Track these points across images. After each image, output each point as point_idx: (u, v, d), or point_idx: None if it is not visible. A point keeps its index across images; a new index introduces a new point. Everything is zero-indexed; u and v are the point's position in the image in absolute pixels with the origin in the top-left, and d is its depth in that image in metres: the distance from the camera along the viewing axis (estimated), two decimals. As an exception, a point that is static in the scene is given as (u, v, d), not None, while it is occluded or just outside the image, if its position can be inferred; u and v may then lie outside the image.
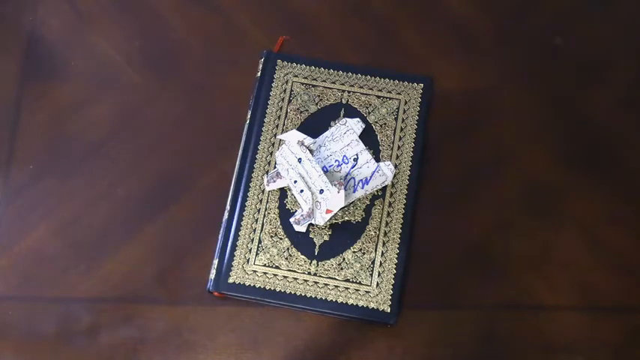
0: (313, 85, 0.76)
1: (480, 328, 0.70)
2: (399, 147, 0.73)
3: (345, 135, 0.73)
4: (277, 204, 0.71)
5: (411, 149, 0.73)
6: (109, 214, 0.73)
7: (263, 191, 0.72)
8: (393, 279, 0.69)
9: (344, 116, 0.74)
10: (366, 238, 0.70)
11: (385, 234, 0.70)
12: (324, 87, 0.76)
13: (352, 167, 0.72)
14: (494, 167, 0.75)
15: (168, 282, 0.71)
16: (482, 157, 0.75)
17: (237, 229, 0.71)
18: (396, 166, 0.72)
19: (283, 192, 0.72)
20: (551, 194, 0.74)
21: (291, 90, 0.76)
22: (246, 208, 0.71)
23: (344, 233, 0.71)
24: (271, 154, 0.73)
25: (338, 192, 0.69)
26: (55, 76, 0.78)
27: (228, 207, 0.72)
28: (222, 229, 0.71)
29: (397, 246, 0.70)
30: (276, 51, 0.78)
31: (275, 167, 0.72)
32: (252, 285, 0.69)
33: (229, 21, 0.81)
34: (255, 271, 0.69)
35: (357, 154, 0.72)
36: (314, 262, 0.70)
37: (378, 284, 0.69)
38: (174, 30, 0.80)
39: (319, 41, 0.80)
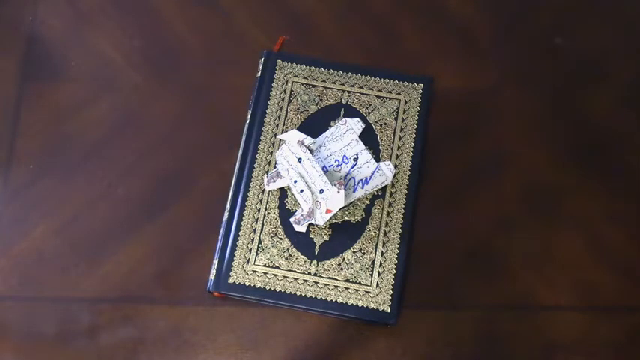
0: (313, 85, 0.76)
1: (480, 328, 0.70)
2: (399, 147, 0.73)
3: (345, 135, 0.73)
4: (277, 204, 0.71)
5: (411, 149, 0.73)
6: (109, 214, 0.73)
7: (263, 191, 0.72)
8: (393, 279, 0.69)
9: (344, 116, 0.74)
10: (366, 238, 0.70)
11: (385, 234, 0.70)
12: (324, 87, 0.76)
13: (352, 167, 0.72)
14: (494, 167, 0.75)
15: (169, 282, 0.71)
16: (482, 157, 0.75)
17: (237, 229, 0.71)
18: (396, 166, 0.72)
19: (283, 192, 0.72)
20: (551, 194, 0.74)
21: (291, 90, 0.76)
22: (246, 208, 0.71)
23: (344, 233, 0.71)
24: (271, 154, 0.73)
25: (338, 192, 0.69)
26: (55, 76, 0.78)
27: (228, 207, 0.72)
28: (222, 229, 0.71)
29: (397, 246, 0.70)
30: (276, 51, 0.78)
31: (275, 167, 0.72)
32: (252, 285, 0.69)
33: (229, 21, 0.81)
34: (255, 271, 0.69)
35: (357, 154, 0.72)
36: (314, 262, 0.70)
37: (378, 284, 0.69)
38: (174, 30, 0.80)
39: (319, 41, 0.80)
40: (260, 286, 0.69)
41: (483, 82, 0.78)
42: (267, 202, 0.72)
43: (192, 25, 0.80)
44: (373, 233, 0.71)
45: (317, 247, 0.70)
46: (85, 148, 0.76)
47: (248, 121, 0.75)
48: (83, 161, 0.75)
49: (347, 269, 0.69)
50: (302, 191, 0.70)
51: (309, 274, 0.69)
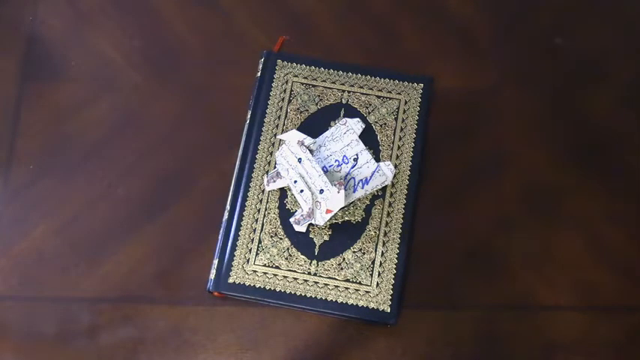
0: (313, 85, 0.76)
1: (480, 328, 0.70)
2: (399, 147, 0.73)
3: (345, 135, 0.73)
4: (277, 204, 0.71)
5: (411, 149, 0.73)
6: (109, 214, 0.73)
7: (263, 191, 0.72)
8: (393, 279, 0.69)
9: (344, 116, 0.74)
10: (366, 238, 0.70)
11: (385, 234, 0.70)
12: (324, 87, 0.76)
13: (352, 167, 0.72)
14: (494, 167, 0.75)
15: (169, 282, 0.71)
16: (482, 157, 0.75)
17: (237, 229, 0.71)
18: (396, 166, 0.72)
19: (283, 192, 0.72)
20: (551, 194, 0.74)
21: (291, 90, 0.76)
22: (246, 208, 0.71)
23: (344, 233, 0.71)
24: (271, 154, 0.73)
25: (338, 192, 0.69)
26: (55, 76, 0.78)
27: (228, 207, 0.72)
28: (222, 229, 0.71)
29: (397, 246, 0.70)
30: (276, 51, 0.78)
31: (275, 167, 0.72)
32: (252, 285, 0.69)
33: (229, 21, 0.81)
34: (255, 271, 0.69)
35: (357, 154, 0.72)
36: (314, 262, 0.70)
37: (378, 284, 0.69)
38: (174, 30, 0.80)
39: (319, 41, 0.80)
40: (260, 286, 0.69)
41: (483, 82, 0.78)
42: (267, 202, 0.72)
43: (192, 25, 0.80)
44: (373, 233, 0.71)
45: (317, 247, 0.70)
46: (85, 148, 0.76)
47: (248, 121, 0.75)
48: (83, 161, 0.75)
49: (347, 269, 0.69)
50: (302, 191, 0.70)
51: (309, 274, 0.69)
